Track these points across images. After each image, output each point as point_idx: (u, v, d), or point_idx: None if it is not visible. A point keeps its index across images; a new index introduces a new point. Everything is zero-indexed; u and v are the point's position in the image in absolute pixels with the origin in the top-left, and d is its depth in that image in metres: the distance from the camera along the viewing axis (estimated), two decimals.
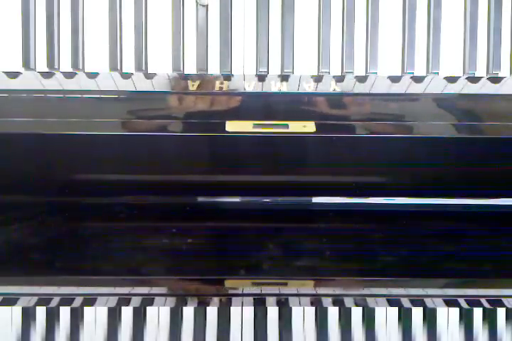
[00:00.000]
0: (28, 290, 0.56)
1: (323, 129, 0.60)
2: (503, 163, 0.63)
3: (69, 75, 0.64)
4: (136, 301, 0.57)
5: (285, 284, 0.57)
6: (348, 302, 0.56)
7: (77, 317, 0.60)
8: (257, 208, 0.66)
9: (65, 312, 0.60)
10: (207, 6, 0.65)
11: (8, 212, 0.64)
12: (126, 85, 0.64)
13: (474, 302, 0.57)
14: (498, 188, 0.66)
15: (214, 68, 0.66)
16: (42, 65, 0.65)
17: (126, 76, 0.65)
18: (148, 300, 0.57)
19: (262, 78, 0.64)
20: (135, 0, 0.65)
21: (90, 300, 0.58)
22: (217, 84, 0.63)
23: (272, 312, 0.60)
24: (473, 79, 0.65)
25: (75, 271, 0.56)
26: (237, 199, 0.66)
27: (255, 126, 0.60)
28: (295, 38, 0.66)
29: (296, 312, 0.60)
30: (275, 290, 0.56)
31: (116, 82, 0.64)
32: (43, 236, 0.62)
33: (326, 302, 0.56)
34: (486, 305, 0.57)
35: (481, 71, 0.66)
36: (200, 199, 0.66)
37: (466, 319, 0.61)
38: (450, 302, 0.57)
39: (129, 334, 0.60)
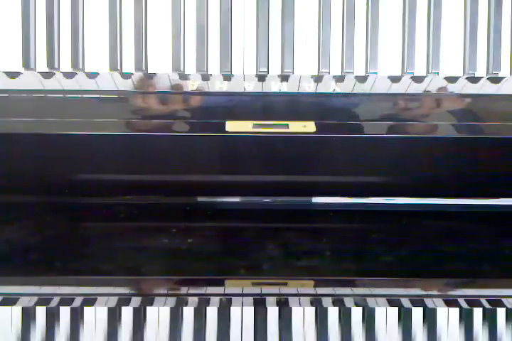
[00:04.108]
0: (28, 290, 0.56)
1: (323, 129, 0.60)
2: (503, 162, 0.63)
3: (69, 75, 0.64)
4: (136, 301, 0.57)
5: (285, 284, 0.57)
6: (348, 302, 0.56)
7: (77, 317, 0.60)
8: (257, 208, 0.66)
9: (65, 312, 0.60)
10: (206, 5, 0.65)
11: (8, 212, 0.64)
12: (126, 85, 0.64)
13: (474, 302, 0.57)
14: (498, 188, 0.66)
15: (214, 68, 0.66)
16: (42, 65, 0.65)
17: (126, 76, 0.65)
18: (148, 300, 0.57)
19: (262, 78, 0.64)
20: (135, 0, 0.65)
21: (90, 300, 0.58)
22: (217, 84, 0.63)
23: (272, 312, 0.60)
24: (473, 79, 0.65)
25: (75, 271, 0.56)
26: (237, 199, 0.66)
27: (255, 126, 0.60)
28: (295, 38, 0.66)
29: (296, 312, 0.60)
30: (275, 290, 0.56)
31: (116, 82, 0.64)
32: (43, 236, 0.62)
33: (326, 302, 0.56)
34: (486, 305, 0.57)
35: (481, 71, 0.66)
36: (200, 199, 0.66)
37: (466, 319, 0.61)
38: (450, 302, 0.57)
39: (129, 334, 0.60)
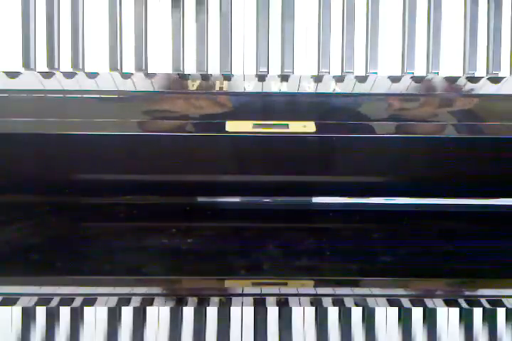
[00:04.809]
0: (28, 290, 0.56)
1: (323, 129, 0.60)
2: (503, 162, 0.63)
3: (69, 75, 0.64)
4: (136, 301, 0.57)
5: (285, 284, 0.57)
6: (348, 302, 0.56)
7: (77, 317, 0.60)
8: (257, 208, 0.66)
9: (65, 312, 0.60)
10: (206, 5, 0.65)
11: (8, 212, 0.64)
12: (126, 85, 0.64)
13: (474, 302, 0.57)
14: (498, 188, 0.66)
15: (214, 68, 0.66)
16: (42, 65, 0.65)
17: (126, 76, 0.65)
18: (148, 300, 0.57)
19: (262, 78, 0.64)
20: (135, 0, 0.65)
21: (90, 300, 0.58)
22: (217, 84, 0.63)
23: (272, 312, 0.60)
24: (473, 79, 0.65)
25: (75, 271, 0.56)
26: (237, 199, 0.66)
27: (255, 126, 0.60)
28: (295, 38, 0.66)
29: (296, 312, 0.60)
30: (275, 290, 0.56)
31: (116, 82, 0.64)
32: (43, 236, 0.62)
33: (326, 302, 0.56)
34: (486, 305, 0.57)
35: (481, 71, 0.66)
36: (200, 199, 0.66)
37: (466, 319, 0.61)
38: (450, 302, 0.57)
39: (129, 334, 0.60)
